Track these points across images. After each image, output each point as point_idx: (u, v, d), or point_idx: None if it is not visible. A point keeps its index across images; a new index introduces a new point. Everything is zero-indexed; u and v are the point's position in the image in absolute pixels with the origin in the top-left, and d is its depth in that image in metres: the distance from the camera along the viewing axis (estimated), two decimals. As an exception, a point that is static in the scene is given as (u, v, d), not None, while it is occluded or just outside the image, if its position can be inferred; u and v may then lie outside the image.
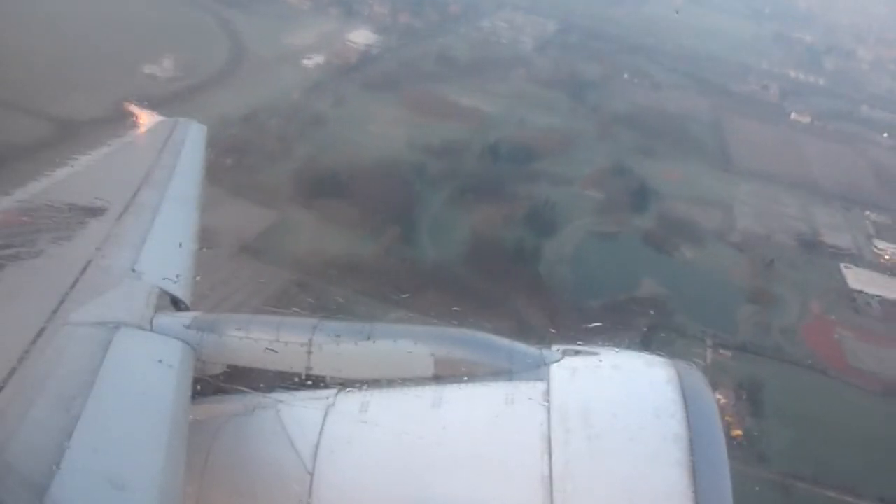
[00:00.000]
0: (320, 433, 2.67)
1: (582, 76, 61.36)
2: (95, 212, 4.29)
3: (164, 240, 4.20)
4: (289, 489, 2.60)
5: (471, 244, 36.17)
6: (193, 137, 5.84)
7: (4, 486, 2.05)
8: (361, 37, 58.35)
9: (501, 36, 66.93)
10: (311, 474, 2.60)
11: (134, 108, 6.52)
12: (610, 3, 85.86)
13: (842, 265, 42.10)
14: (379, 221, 36.05)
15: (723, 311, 36.38)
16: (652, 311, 34.19)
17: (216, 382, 3.00)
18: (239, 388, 2.95)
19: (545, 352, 2.75)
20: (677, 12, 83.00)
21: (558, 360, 2.67)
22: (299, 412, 2.78)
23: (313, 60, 52.69)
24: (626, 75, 63.82)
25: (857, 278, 40.88)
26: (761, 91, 67.23)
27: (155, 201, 4.59)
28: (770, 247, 42.56)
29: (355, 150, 41.96)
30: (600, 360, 2.62)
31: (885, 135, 63.50)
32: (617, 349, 2.71)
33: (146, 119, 6.33)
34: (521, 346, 2.85)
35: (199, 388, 2.88)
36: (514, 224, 38.74)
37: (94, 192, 4.59)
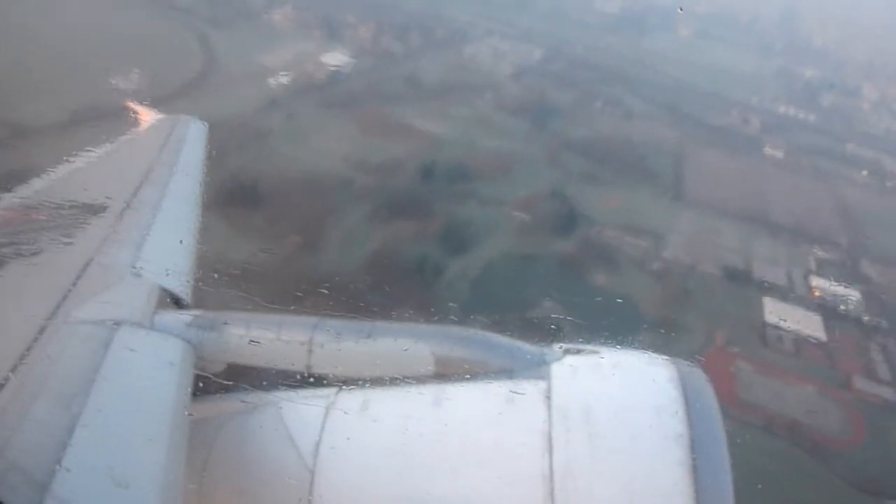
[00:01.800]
0: (321, 431, 2.68)
1: (551, 103, 62.02)
2: (96, 210, 4.30)
3: (165, 238, 4.20)
4: (290, 487, 2.60)
5: (373, 257, 37.21)
6: (194, 135, 5.88)
7: (6, 483, 2.04)
8: (335, 58, 60.58)
9: (481, 62, 68.15)
10: (312, 472, 2.60)
11: (134, 106, 6.57)
12: (608, 33, 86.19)
13: (764, 299, 41.47)
14: (285, 231, 37.58)
15: (618, 337, 36.12)
16: (540, 333, 34.45)
17: (217, 381, 3.02)
18: (240, 386, 3.01)
19: (546, 350, 2.78)
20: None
21: (559, 359, 2.69)
22: (300, 410, 2.79)
23: (279, 79, 55.12)
24: (598, 104, 64.14)
25: (775, 313, 40.14)
26: (741, 125, 66.43)
27: (156, 199, 4.59)
28: (692, 277, 42.28)
29: (288, 163, 43.75)
30: (601, 359, 2.65)
31: (865, 172, 61.91)
32: (618, 348, 2.77)
33: (147, 117, 6.42)
34: (522, 345, 2.87)
35: (200, 386, 2.88)
36: (426, 241, 39.63)
37: (95, 190, 4.61)
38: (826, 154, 64.33)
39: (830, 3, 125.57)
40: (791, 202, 54.09)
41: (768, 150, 62.29)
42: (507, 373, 2.72)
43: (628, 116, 63.46)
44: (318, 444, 2.65)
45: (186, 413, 2.63)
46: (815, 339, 38.95)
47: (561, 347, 2.77)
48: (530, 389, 2.57)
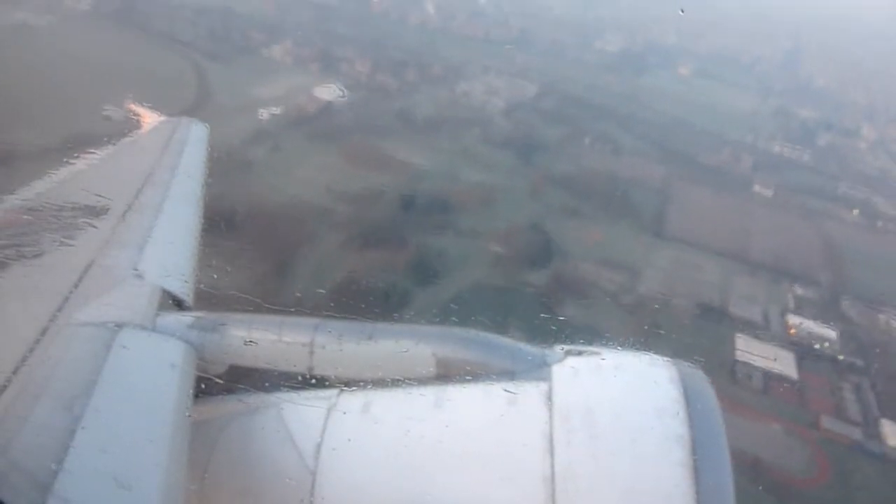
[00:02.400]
0: (323, 433, 2.67)
1: (539, 138, 62.72)
2: (98, 211, 4.29)
3: (167, 240, 4.19)
4: (291, 489, 2.60)
5: (340, 285, 37.62)
6: (196, 137, 5.85)
7: (9, 485, 2.04)
8: (328, 92, 61.92)
9: (474, 97, 69.24)
10: (314, 474, 2.59)
11: (136, 108, 6.61)
12: (607, 71, 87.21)
13: (737, 335, 41.16)
14: (256, 257, 38.16)
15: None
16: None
17: (219, 382, 3.02)
18: (242, 387, 3.01)
19: (547, 352, 2.77)
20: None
21: (560, 360, 2.68)
22: (302, 412, 2.79)
23: (270, 111, 56.46)
24: (587, 140, 64.71)
25: (747, 349, 39.77)
26: (732, 163, 66.56)
27: (158, 201, 4.60)
28: (665, 312, 42.15)
29: (268, 192, 44.61)
30: (602, 360, 2.64)
31: (856, 212, 61.60)
32: (619, 349, 2.77)
33: (149, 119, 6.42)
34: (523, 346, 2.86)
35: (202, 387, 2.88)
36: (397, 270, 39.99)
37: (97, 192, 4.59)
38: (817, 193, 64.12)
39: (835, 45, 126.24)
40: (775, 240, 53.84)
41: (757, 189, 62.25)
42: (508, 374, 2.71)
43: (617, 153, 63.90)
44: (319, 446, 2.64)
45: (188, 414, 2.62)
46: (787, 377, 38.55)
47: (562, 349, 2.77)
48: (532, 391, 2.55)
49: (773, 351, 40.33)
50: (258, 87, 60.40)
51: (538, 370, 2.68)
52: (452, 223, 46.42)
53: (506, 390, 2.60)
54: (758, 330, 42.36)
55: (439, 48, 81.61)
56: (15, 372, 2.62)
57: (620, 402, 2.47)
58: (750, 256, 50.88)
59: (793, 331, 42.67)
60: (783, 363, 39.37)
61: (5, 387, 2.54)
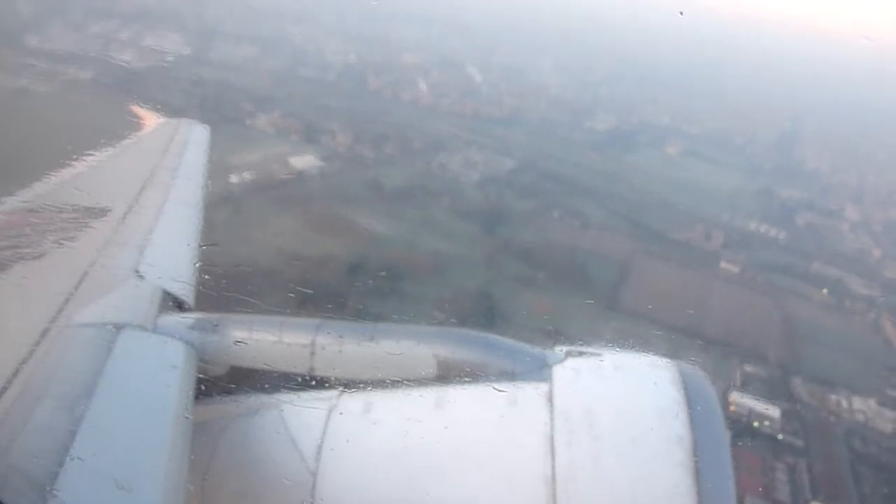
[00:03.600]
0: (323, 434, 2.69)
1: (507, 211, 63.78)
2: (99, 213, 4.33)
3: (168, 241, 4.27)
4: (292, 489, 2.60)
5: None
6: (197, 139, 5.94)
7: (9, 486, 2.03)
8: (303, 161, 64.17)
9: (449, 170, 70.99)
10: (315, 475, 2.59)
11: (138, 110, 6.56)
12: (592, 150, 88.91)
13: (671, 410, 40.45)
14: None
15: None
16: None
17: (220, 383, 3.05)
18: (242, 388, 3.03)
19: (548, 353, 2.84)
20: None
21: (561, 361, 2.74)
22: (302, 413, 2.81)
23: (241, 177, 58.56)
24: (555, 214, 65.60)
25: (679, 425, 39.09)
26: (702, 239, 66.71)
27: (158, 202, 4.64)
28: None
29: (217, 253, 45.77)
30: (603, 361, 2.71)
31: (825, 291, 60.92)
32: (620, 350, 2.79)
33: (150, 121, 6.43)
34: (524, 347, 2.93)
35: (202, 388, 2.89)
36: (329, 332, 40.48)
37: (98, 193, 4.63)
38: (787, 271, 63.68)
39: (834, 130, 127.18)
40: (733, 317, 53.37)
41: (724, 265, 62.08)
42: (508, 375, 2.76)
43: (584, 227, 64.53)
44: (320, 447, 2.65)
45: (189, 416, 2.61)
46: (718, 454, 37.59)
47: (563, 350, 2.83)
48: (532, 392, 2.60)
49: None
50: (235, 153, 62.69)
51: (539, 371, 2.73)
52: (399, 289, 47.03)
53: (506, 391, 2.61)
54: (696, 405, 41.62)
55: (426, 124, 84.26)
56: (16, 373, 2.59)
57: (621, 402, 2.50)
58: (703, 332, 50.36)
59: (732, 407, 41.78)
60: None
61: (6, 388, 2.50)
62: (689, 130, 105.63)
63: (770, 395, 43.92)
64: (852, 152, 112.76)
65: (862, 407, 44.05)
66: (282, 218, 53.40)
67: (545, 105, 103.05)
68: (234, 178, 58.00)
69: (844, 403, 44.27)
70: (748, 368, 46.80)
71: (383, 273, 48.51)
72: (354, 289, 45.42)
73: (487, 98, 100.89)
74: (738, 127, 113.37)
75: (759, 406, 42.23)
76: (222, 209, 52.75)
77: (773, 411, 41.99)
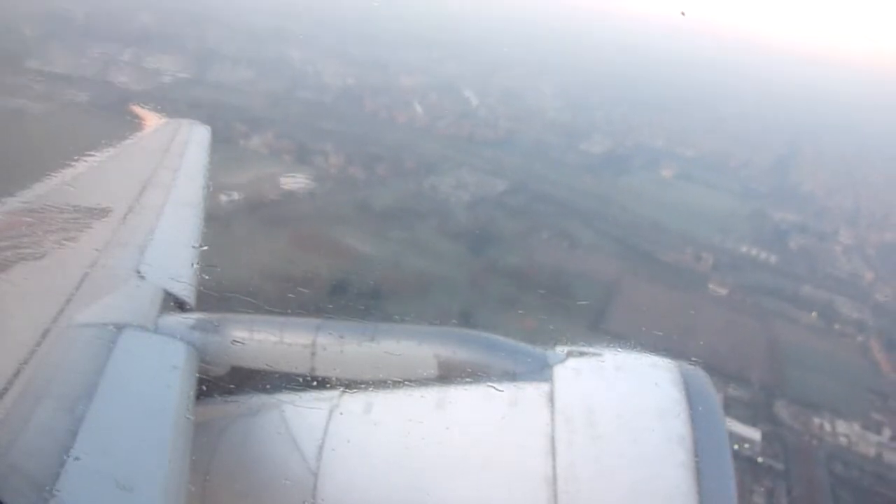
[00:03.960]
0: (324, 434, 2.70)
1: (495, 232, 63.98)
2: (100, 213, 4.33)
3: (169, 241, 4.28)
4: (293, 490, 2.61)
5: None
6: (198, 139, 5.92)
7: (10, 486, 2.03)
8: (294, 181, 64.66)
9: (439, 191, 71.33)
10: (316, 475, 2.60)
11: (139, 110, 6.62)
12: (586, 172, 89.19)
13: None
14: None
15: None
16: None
17: (221, 383, 3.06)
18: (243, 389, 3.04)
19: (549, 353, 2.83)
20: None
21: (562, 361, 2.73)
22: (303, 413, 2.83)
23: (231, 197, 58.97)
24: (544, 235, 65.70)
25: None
26: (691, 261, 66.64)
27: (159, 203, 4.66)
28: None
29: (199, 271, 46.09)
30: (604, 361, 2.70)
31: (814, 314, 60.61)
32: (621, 350, 2.79)
33: (151, 121, 6.47)
34: (525, 347, 2.92)
35: (203, 388, 2.91)
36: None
37: (99, 194, 4.65)
38: (776, 294, 63.45)
39: (832, 153, 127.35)
40: (718, 339, 53.11)
41: (712, 287, 61.93)
42: (509, 375, 2.76)
43: (573, 248, 64.61)
44: (321, 447, 2.67)
45: (190, 416, 2.62)
46: (695, 477, 37.26)
47: (564, 350, 2.83)
48: (533, 392, 2.59)
49: (684, 449, 39.20)
50: (227, 173, 63.03)
51: (540, 371, 2.72)
52: (379, 308, 47.05)
53: (507, 391, 2.61)
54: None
55: (420, 146, 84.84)
56: (17, 373, 2.60)
57: (622, 403, 2.50)
58: (686, 353, 49.57)
59: (710, 430, 41.56)
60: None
61: (7, 388, 2.52)
62: (684, 153, 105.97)
63: (752, 418, 43.59)
64: (849, 175, 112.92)
65: (845, 430, 43.63)
66: (267, 237, 53.67)
67: (541, 128, 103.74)
68: (222, 198, 58.47)
69: (828, 427, 43.87)
70: (731, 391, 46.42)
71: (365, 293, 48.55)
72: (333, 309, 45.41)
73: (483, 120, 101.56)
74: (733, 150, 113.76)
75: (740, 428, 41.83)
76: (210, 228, 53.03)
77: (755, 434, 41.62)
